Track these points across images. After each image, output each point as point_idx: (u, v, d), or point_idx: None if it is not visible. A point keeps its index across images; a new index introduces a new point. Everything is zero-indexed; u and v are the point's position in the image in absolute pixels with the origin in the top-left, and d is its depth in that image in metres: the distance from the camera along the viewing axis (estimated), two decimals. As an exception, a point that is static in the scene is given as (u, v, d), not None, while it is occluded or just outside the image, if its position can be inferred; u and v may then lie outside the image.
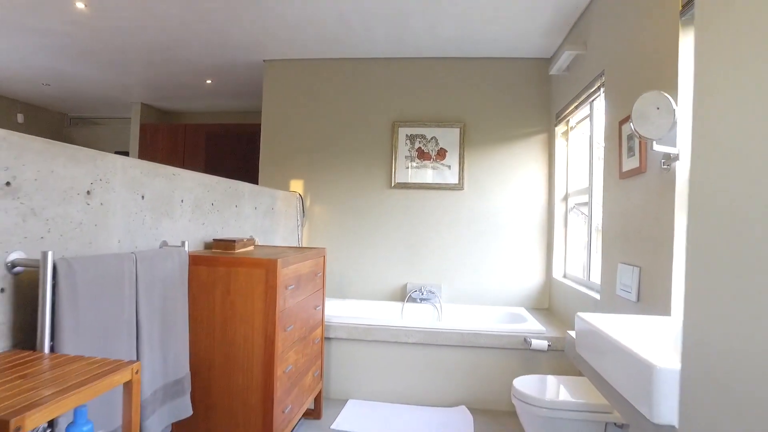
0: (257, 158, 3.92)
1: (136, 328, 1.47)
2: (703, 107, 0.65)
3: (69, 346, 1.18)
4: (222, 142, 5.07)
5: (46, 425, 1.06)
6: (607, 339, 1.24)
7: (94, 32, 3.31)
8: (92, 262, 1.29)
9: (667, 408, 0.90)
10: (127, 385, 1.07)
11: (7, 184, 1.11)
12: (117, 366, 1.05)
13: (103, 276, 1.32)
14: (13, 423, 0.73)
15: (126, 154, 5.02)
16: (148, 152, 5.17)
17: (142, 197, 1.67)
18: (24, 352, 1.10)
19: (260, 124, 3.90)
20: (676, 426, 0.83)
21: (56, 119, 6.04)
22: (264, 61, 3.84)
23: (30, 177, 1.18)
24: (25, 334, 1.17)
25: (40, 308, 1.13)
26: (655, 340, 1.19)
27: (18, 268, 1.14)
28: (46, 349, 1.14)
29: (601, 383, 1.29)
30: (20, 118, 5.39)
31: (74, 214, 1.34)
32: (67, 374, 0.97)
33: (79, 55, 3.84)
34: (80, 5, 2.86)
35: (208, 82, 4.52)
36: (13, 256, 1.13)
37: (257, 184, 3.71)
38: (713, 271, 0.64)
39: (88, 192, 1.39)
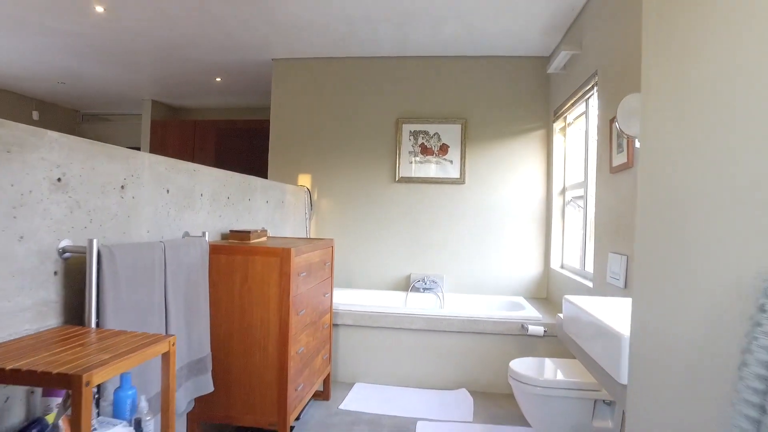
0: (266, 154, 4.06)
1: (165, 310, 1.63)
2: (649, 117, 0.79)
3: (111, 323, 1.33)
4: (231, 138, 5.21)
5: (96, 389, 1.22)
6: (587, 316, 1.39)
7: (109, 32, 3.46)
8: (130, 249, 1.44)
9: (631, 370, 1.05)
10: (165, 355, 1.23)
11: (59, 179, 1.27)
12: (157, 338, 1.20)
13: (138, 262, 1.47)
14: (85, 377, 0.89)
15: (137, 149, 5.17)
16: (159, 148, 5.31)
17: (167, 191, 1.82)
18: (75, 327, 1.26)
19: (269, 121, 4.04)
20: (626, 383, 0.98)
21: (69, 116, 6.21)
22: (272, 60, 3.98)
23: (76, 173, 1.33)
24: (73, 312, 1.33)
25: (87, 289, 1.29)
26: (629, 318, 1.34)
27: (67, 254, 1.29)
28: (93, 325, 1.29)
29: (584, 357, 1.43)
30: (35, 115, 5.56)
31: (111, 206, 1.49)
32: (117, 344, 1.13)
33: (93, 55, 3.99)
34: (99, 8, 3.00)
35: (218, 80, 4.67)
36: (64, 243, 1.29)
37: (266, 179, 3.86)
38: (653, 257, 0.78)
39: (122, 186, 1.54)
